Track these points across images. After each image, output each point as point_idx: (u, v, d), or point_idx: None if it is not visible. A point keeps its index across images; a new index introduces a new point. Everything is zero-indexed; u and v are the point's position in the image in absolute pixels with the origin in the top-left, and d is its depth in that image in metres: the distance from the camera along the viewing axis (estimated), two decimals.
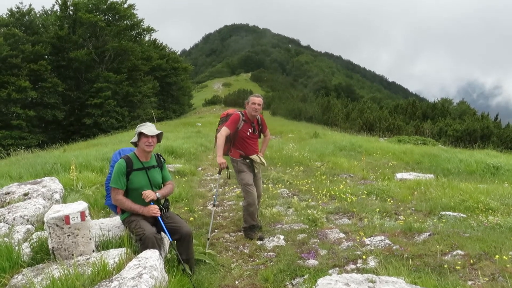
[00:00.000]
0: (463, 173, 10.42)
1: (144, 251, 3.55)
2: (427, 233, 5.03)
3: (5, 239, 3.99)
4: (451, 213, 5.97)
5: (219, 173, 5.59)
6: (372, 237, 5.09)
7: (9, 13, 36.32)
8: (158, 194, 4.18)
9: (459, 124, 27.19)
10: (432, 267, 3.99)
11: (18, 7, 36.53)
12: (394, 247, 4.68)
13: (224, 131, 5.46)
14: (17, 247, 3.86)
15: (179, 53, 72.35)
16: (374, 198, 7.46)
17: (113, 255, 3.66)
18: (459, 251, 4.31)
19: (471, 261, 4.01)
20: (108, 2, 39.71)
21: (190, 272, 4.02)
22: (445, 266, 3.95)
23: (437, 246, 4.45)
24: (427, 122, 30.88)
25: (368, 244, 4.88)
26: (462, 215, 5.90)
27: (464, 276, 3.78)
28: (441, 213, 6.08)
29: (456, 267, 3.92)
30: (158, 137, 4.28)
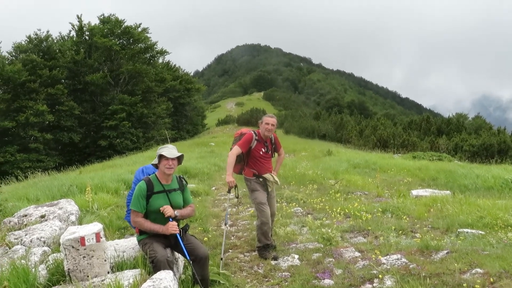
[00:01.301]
0: (481, 189, 10.23)
1: (158, 272, 3.56)
2: (445, 251, 4.93)
3: (22, 261, 4.04)
4: (469, 230, 5.85)
5: (229, 191, 5.60)
6: (388, 256, 5.01)
7: (28, 40, 37.45)
8: (177, 212, 4.15)
9: (475, 139, 26.79)
10: (451, 286, 3.91)
11: (36, 34, 37.68)
12: (411, 266, 4.59)
13: (236, 150, 5.50)
14: (33, 269, 3.90)
15: (192, 74, 73.36)
16: (390, 215, 7.36)
17: (128, 276, 3.67)
18: (478, 270, 4.21)
19: (491, 280, 3.91)
20: (123, 26, 40.72)
21: None
22: (464, 285, 3.86)
23: (455, 265, 4.36)
24: (442, 137, 30.52)
25: (384, 263, 4.81)
26: (480, 232, 5.78)
27: None
28: (458, 230, 5.97)
29: (476, 286, 3.83)
30: (179, 159, 4.27)
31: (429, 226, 6.55)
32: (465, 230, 5.89)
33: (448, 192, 9.20)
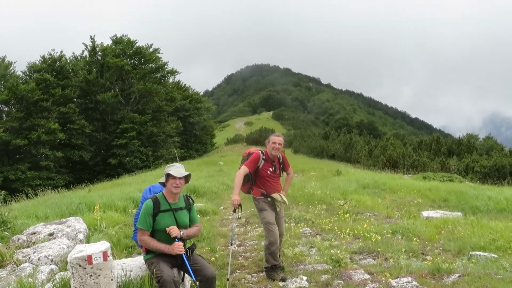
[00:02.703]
0: (493, 211, 10.07)
1: None
2: (457, 274, 4.83)
3: (29, 279, 4.05)
4: (481, 253, 5.73)
5: (234, 211, 5.56)
6: (398, 278, 4.92)
7: (42, 60, 38.27)
8: (183, 233, 4.14)
9: (486, 160, 26.51)
10: None
11: (50, 54, 38.53)
12: None
13: (243, 170, 5.49)
14: None
15: (202, 93, 74.25)
16: (400, 237, 7.25)
17: None
18: None
19: None
20: (135, 47, 41.49)
21: None
22: None
23: None
24: (453, 158, 30.24)
25: (394, 286, 4.72)
26: (493, 255, 5.66)
27: None
28: (470, 253, 5.85)
29: None
30: (187, 178, 4.28)
31: (440, 248, 6.43)
32: (478, 253, 5.77)
33: (459, 213, 9.06)
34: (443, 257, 5.79)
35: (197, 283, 4.01)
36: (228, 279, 5.14)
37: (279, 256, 5.76)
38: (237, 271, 5.94)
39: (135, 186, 14.18)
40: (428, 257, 5.94)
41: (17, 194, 13.51)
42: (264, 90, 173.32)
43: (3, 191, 7.83)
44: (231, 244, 5.65)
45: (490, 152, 33.06)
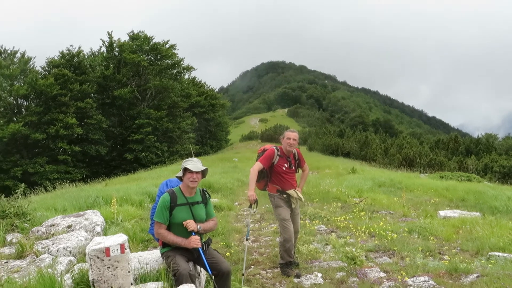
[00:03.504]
0: None
1: (180, 286, 3.55)
2: (475, 275, 4.75)
3: (48, 270, 4.11)
4: (500, 254, 5.63)
5: (250, 206, 5.56)
6: (414, 277, 4.86)
7: (60, 55, 38.85)
8: (200, 226, 4.17)
9: (505, 160, 26.03)
10: None
11: (68, 50, 39.09)
12: None
13: (257, 166, 5.49)
14: (59, 278, 3.95)
15: (217, 90, 74.42)
16: (416, 236, 7.17)
17: None
18: None
19: None
20: (151, 43, 41.78)
21: None
22: None
23: None
24: (471, 158, 29.77)
25: (410, 285, 4.66)
26: None
27: None
28: (489, 253, 5.75)
29: None
30: (203, 173, 4.31)
31: (458, 248, 6.33)
32: (496, 253, 5.67)
33: (477, 213, 8.91)
34: (461, 257, 5.71)
35: (213, 277, 4.03)
36: (243, 274, 5.15)
37: (294, 252, 5.75)
38: (252, 266, 5.96)
39: (150, 181, 14.31)
40: (445, 257, 5.86)
41: (36, 187, 13.75)
42: (279, 87, 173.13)
43: (23, 183, 7.98)
44: (247, 240, 5.66)
45: (510, 152, 32.42)
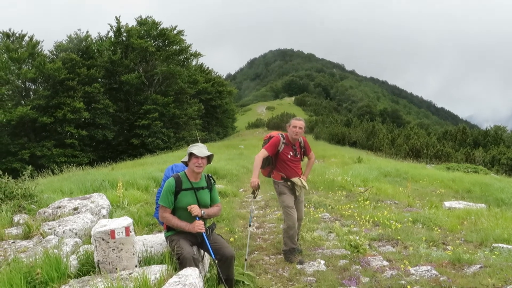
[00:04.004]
0: None
1: (184, 269, 3.59)
2: (478, 265, 4.75)
3: (55, 250, 4.17)
4: (504, 246, 5.61)
5: (253, 193, 5.58)
6: (417, 267, 4.87)
7: (68, 39, 38.82)
8: (204, 212, 4.20)
9: None
10: None
11: (76, 34, 39.03)
12: (441, 278, 4.45)
13: (262, 153, 5.49)
14: (65, 259, 4.01)
15: (224, 77, 74.17)
16: (420, 226, 7.16)
17: (155, 271, 3.72)
18: None
19: None
20: (159, 28, 41.58)
21: None
22: None
23: (489, 280, 4.20)
24: (479, 149, 29.53)
25: (413, 274, 4.68)
26: None
27: None
28: (493, 245, 5.73)
29: None
30: (209, 158, 4.31)
31: (462, 239, 6.33)
32: (501, 245, 5.66)
33: (483, 205, 8.88)
34: (465, 248, 5.71)
35: (216, 261, 4.06)
36: (246, 260, 5.20)
37: (298, 239, 5.78)
38: (255, 252, 6.00)
39: (156, 166, 14.39)
40: (449, 247, 5.86)
41: (43, 170, 13.89)
42: (287, 75, 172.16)
43: (30, 166, 8.05)
44: (250, 226, 5.70)
45: None
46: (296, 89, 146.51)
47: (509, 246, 5.58)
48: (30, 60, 34.38)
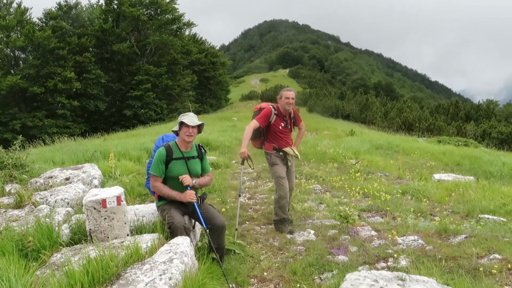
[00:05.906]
0: (506, 177, 9.97)
1: (175, 238, 3.64)
2: (463, 236, 4.87)
3: (46, 219, 4.20)
4: (490, 217, 5.74)
5: (242, 163, 5.62)
6: (405, 237, 4.98)
7: (58, 7, 37.86)
8: (195, 181, 4.21)
9: (504, 127, 26.05)
10: (467, 270, 3.87)
11: (66, 1, 38.03)
12: (427, 248, 4.56)
13: (253, 124, 5.49)
14: (57, 228, 4.05)
15: (218, 48, 73.18)
16: (409, 197, 7.28)
17: (146, 240, 3.77)
18: (497, 255, 4.15)
19: (509, 266, 3.85)
20: None
21: (220, 261, 4.07)
22: (480, 269, 3.81)
23: (473, 249, 4.31)
24: (470, 123, 29.76)
25: (400, 243, 4.79)
26: (502, 219, 5.66)
27: (500, 280, 3.64)
28: (479, 216, 5.86)
29: (492, 271, 3.78)
30: (199, 128, 4.29)
31: (449, 210, 6.45)
32: (486, 216, 5.78)
33: (471, 178, 9.00)
34: (451, 219, 5.83)
35: (207, 231, 4.11)
36: (236, 229, 5.28)
37: (288, 210, 5.86)
38: (247, 222, 6.09)
39: (149, 137, 14.35)
40: (436, 218, 5.98)
41: (35, 141, 13.81)
42: (282, 46, 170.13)
43: (21, 136, 7.98)
44: (240, 196, 5.77)
45: (510, 119, 32.40)
46: (291, 61, 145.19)
47: (494, 217, 5.71)
48: (18, 28, 33.62)
